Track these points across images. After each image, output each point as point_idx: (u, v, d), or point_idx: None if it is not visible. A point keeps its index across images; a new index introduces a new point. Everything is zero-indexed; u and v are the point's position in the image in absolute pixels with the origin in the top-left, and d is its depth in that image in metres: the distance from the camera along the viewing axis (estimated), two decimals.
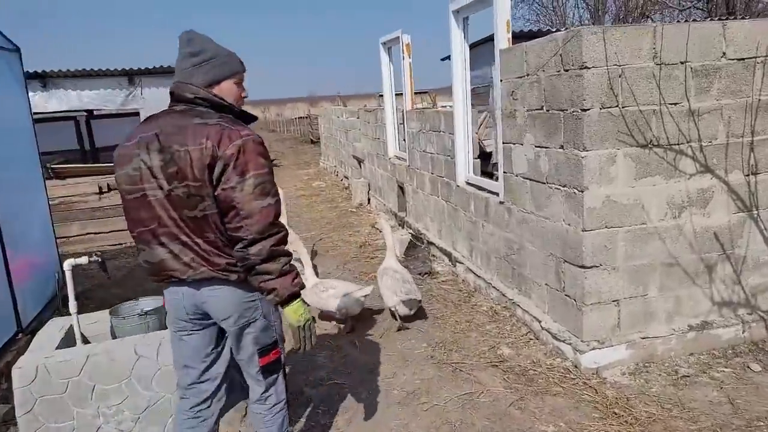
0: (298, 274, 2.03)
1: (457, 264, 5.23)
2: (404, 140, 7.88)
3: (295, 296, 2.01)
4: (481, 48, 10.88)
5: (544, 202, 3.59)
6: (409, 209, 6.99)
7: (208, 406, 2.28)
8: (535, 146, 3.63)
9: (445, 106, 9.18)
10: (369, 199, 9.41)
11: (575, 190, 3.22)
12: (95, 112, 14.90)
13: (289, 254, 2.01)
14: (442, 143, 5.48)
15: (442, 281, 5.13)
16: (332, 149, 13.69)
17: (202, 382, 2.24)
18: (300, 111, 41.67)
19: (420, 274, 5.32)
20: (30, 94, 11.43)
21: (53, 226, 5.76)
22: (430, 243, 5.98)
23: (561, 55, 3.20)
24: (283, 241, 1.98)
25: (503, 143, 4.09)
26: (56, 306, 5.17)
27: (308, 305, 2.23)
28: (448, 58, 13.70)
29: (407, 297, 3.98)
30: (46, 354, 2.82)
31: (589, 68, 3.02)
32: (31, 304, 4.74)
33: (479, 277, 4.73)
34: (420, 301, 4.17)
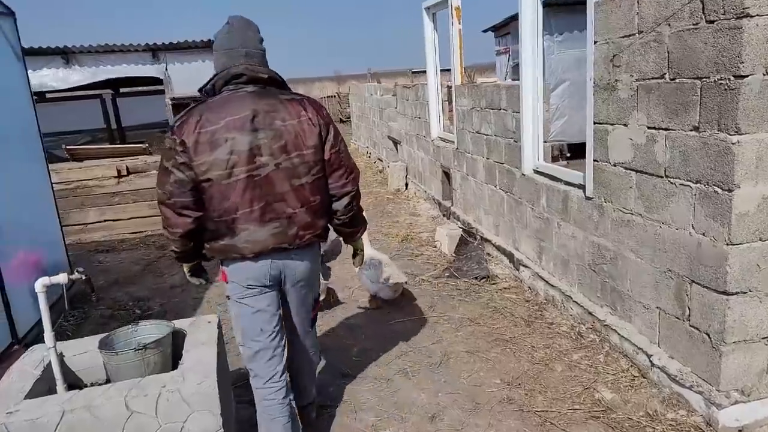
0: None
1: (522, 268, 4.40)
2: (448, 120, 7.03)
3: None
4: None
5: (660, 201, 2.73)
6: (456, 198, 6.16)
7: (284, 369, 2.37)
8: (648, 127, 2.75)
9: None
10: (407, 185, 8.60)
11: (717, 189, 2.35)
12: (121, 90, 14.30)
13: None
14: (503, 123, 4.61)
15: (504, 288, 4.31)
16: (364, 129, 12.87)
17: (277, 345, 2.34)
18: (328, 90, 40.81)
19: (477, 278, 4.51)
20: (53, 70, 10.99)
21: (59, 217, 5.12)
22: (485, 240, 5.15)
23: (702, 1, 2.31)
24: None
25: (594, 123, 3.21)
26: (61, 310, 4.56)
27: None
28: (491, 29, 12.54)
29: (392, 281, 3.97)
30: (10, 408, 2.13)
31: (752, 17, 2.13)
32: (29, 310, 4.12)
33: (552, 286, 3.90)
34: (406, 283, 4.12)
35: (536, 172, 4.20)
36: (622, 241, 3.08)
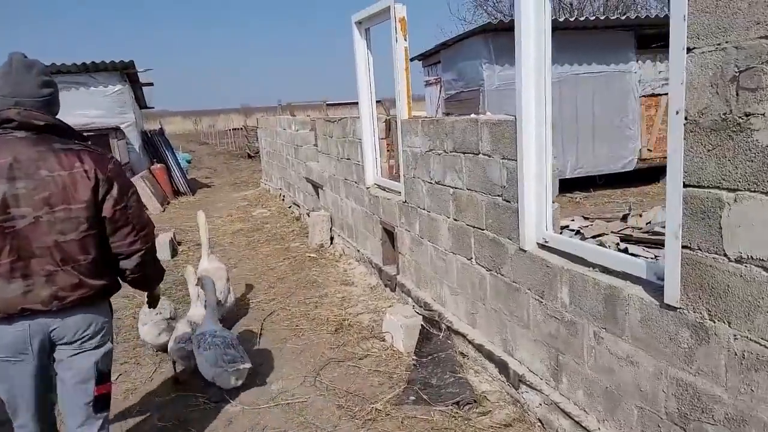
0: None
1: (524, 387, 2.99)
2: (386, 163, 5.66)
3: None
4: (465, 43, 8.81)
5: None
6: (404, 266, 4.71)
7: None
8: None
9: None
10: (332, 239, 7.06)
11: None
12: None
13: None
14: (483, 174, 3.25)
15: (504, 425, 2.86)
16: (276, 168, 11.22)
17: (45, 409, 2.18)
18: (234, 122, 38.60)
19: (457, 404, 3.03)
20: None
21: None
22: (453, 331, 3.72)
23: None
24: None
25: (686, 186, 1.90)
26: None
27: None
28: (419, 58, 11.44)
29: (234, 367, 3.31)
30: None
31: None
32: None
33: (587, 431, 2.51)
34: (249, 368, 3.39)
35: (545, 247, 2.84)
36: (762, 396, 1.75)
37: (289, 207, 9.86)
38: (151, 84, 13.81)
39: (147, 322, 3.85)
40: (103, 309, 2.16)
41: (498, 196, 3.13)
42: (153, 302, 2.60)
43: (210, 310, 3.60)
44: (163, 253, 7.00)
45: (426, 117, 4.22)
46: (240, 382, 3.38)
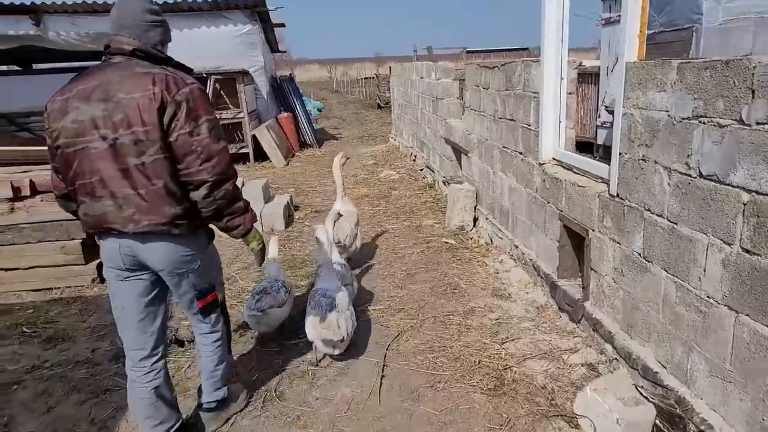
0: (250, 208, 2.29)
1: None
2: (575, 129, 3.94)
3: (251, 228, 2.30)
4: None
5: None
6: (601, 291, 3.07)
7: (156, 358, 2.26)
8: None
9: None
10: (476, 220, 5.52)
11: None
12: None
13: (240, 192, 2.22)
14: None
15: None
16: (408, 123, 9.78)
17: (144, 332, 2.22)
18: (367, 71, 37.74)
19: None
20: None
21: None
22: None
23: None
24: (236, 181, 2.17)
25: None
26: None
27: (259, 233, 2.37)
28: None
29: (322, 337, 3.01)
30: None
31: None
32: None
33: None
34: (341, 341, 3.00)
35: None
36: None
37: (421, 170, 8.43)
38: (282, 25, 12.91)
39: (281, 304, 3.33)
40: (187, 240, 2.14)
41: None
42: (255, 258, 2.43)
43: (326, 266, 3.35)
44: (276, 221, 5.99)
45: (686, 59, 2.44)
46: (337, 352, 3.11)
